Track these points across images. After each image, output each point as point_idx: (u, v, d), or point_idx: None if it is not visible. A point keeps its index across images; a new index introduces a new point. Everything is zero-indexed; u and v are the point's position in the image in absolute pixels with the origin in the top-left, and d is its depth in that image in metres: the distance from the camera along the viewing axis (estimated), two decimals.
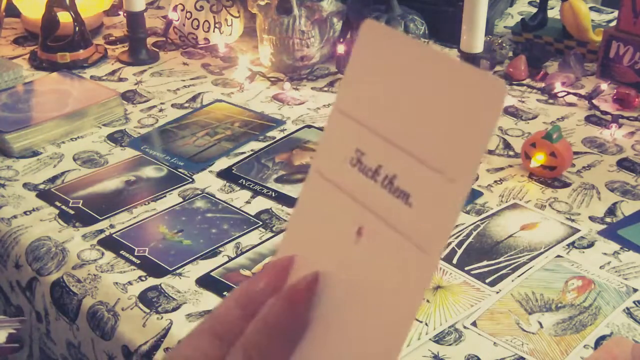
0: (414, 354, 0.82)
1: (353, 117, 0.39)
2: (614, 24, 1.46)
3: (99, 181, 1.12)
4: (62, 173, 1.14)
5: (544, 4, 1.55)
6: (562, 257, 0.97)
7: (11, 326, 0.92)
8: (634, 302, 0.89)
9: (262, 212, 1.05)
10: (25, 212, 1.05)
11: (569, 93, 1.36)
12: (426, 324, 0.86)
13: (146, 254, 0.97)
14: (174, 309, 0.88)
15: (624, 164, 1.17)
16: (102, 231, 1.01)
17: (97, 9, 1.59)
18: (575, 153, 1.18)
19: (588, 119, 1.30)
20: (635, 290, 0.91)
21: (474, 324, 0.86)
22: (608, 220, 1.04)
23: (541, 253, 0.97)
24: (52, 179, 1.12)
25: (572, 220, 1.04)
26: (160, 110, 1.32)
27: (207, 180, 1.12)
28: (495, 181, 1.12)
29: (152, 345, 0.85)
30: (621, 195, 1.10)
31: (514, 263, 0.95)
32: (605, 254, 0.98)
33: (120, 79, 1.42)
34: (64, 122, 1.23)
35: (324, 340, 0.38)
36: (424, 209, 0.36)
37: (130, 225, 1.02)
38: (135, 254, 0.97)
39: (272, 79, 1.41)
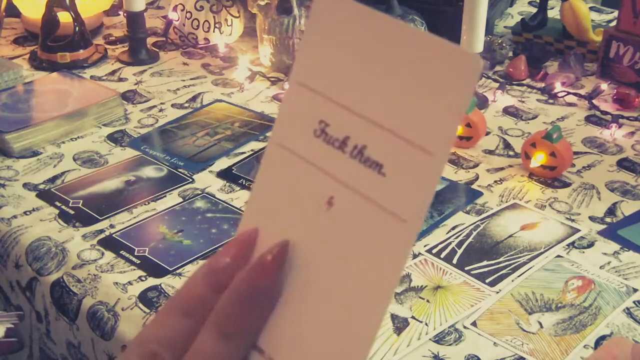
0: (414, 354, 0.82)
1: (313, 88, 0.38)
2: (614, 24, 1.46)
3: (99, 181, 1.12)
4: (62, 173, 1.14)
5: (544, 4, 1.55)
6: (562, 257, 0.97)
7: (9, 321, 0.92)
8: (634, 302, 0.89)
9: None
10: (25, 212, 1.05)
11: (569, 93, 1.36)
12: (426, 324, 0.86)
13: (146, 254, 0.97)
14: None
15: (624, 164, 1.17)
16: (102, 231, 1.01)
17: (97, 9, 1.59)
18: (575, 153, 1.18)
19: (588, 119, 1.30)
20: (635, 290, 0.91)
21: (474, 324, 0.86)
22: (608, 220, 1.04)
23: (541, 253, 0.97)
24: (52, 179, 1.12)
25: (572, 220, 1.04)
26: (160, 110, 1.32)
27: (207, 180, 1.12)
28: (495, 181, 1.12)
29: None
30: (621, 195, 1.10)
31: (514, 263, 0.95)
32: (605, 254, 0.98)
33: (120, 79, 1.42)
34: (64, 122, 1.23)
35: (297, 311, 0.38)
36: (400, 179, 0.35)
37: (130, 225, 1.02)
38: (135, 254, 0.97)
39: (272, 79, 1.41)
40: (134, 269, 0.94)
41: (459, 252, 0.97)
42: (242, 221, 0.40)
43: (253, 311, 0.38)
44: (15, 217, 1.04)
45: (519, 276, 0.93)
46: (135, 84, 1.41)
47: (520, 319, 0.87)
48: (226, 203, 1.06)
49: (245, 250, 0.39)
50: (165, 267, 0.95)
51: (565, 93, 1.36)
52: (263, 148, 1.19)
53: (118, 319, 0.88)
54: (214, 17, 1.52)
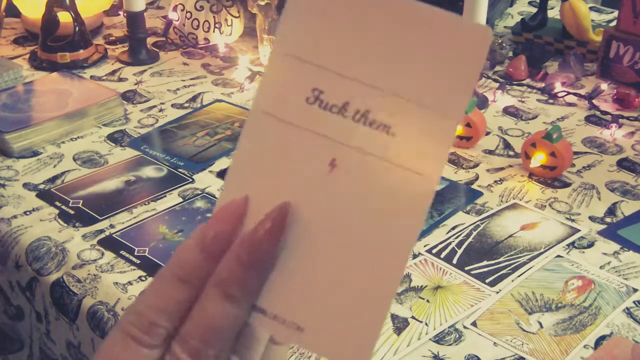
0: (414, 354, 0.82)
1: (303, 58, 0.39)
2: (614, 24, 1.46)
3: (99, 181, 1.12)
4: (62, 173, 1.14)
5: (544, 4, 1.55)
6: (562, 257, 0.97)
7: None
8: (634, 302, 0.89)
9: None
10: (25, 212, 1.05)
11: (569, 93, 1.36)
12: (426, 324, 0.86)
13: (146, 254, 0.97)
14: None
15: (624, 164, 1.17)
16: (102, 231, 1.01)
17: (97, 9, 1.60)
18: (575, 153, 1.18)
19: (588, 119, 1.30)
20: (635, 290, 0.91)
21: (474, 324, 0.86)
22: (608, 220, 1.04)
23: (541, 253, 0.97)
24: (52, 179, 1.12)
25: (572, 220, 1.04)
26: (160, 110, 1.32)
27: (207, 180, 1.12)
28: (495, 181, 1.12)
29: None
30: (621, 195, 1.10)
31: (514, 263, 0.95)
32: (605, 254, 0.98)
33: (120, 79, 1.42)
34: (64, 122, 1.23)
35: (307, 271, 0.38)
36: (412, 137, 0.37)
37: (130, 225, 1.02)
38: (135, 254, 0.97)
39: None
40: (134, 269, 0.94)
41: (459, 252, 0.97)
42: (223, 191, 0.40)
43: (256, 273, 0.38)
44: (15, 217, 1.04)
45: (519, 276, 0.93)
46: (135, 84, 1.41)
47: (520, 319, 0.87)
48: None
49: (237, 219, 0.39)
50: None
51: (565, 93, 1.36)
52: None
53: (118, 319, 0.88)
54: (214, 17, 1.52)
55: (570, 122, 1.29)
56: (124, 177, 1.12)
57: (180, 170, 1.14)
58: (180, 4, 1.54)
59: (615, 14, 1.57)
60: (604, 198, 1.09)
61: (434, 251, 0.97)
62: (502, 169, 1.16)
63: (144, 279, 0.93)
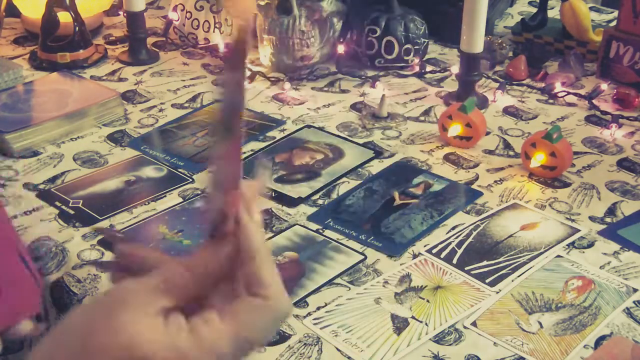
0: (414, 354, 0.82)
1: None
2: (614, 24, 1.46)
3: (99, 181, 1.11)
4: (62, 173, 1.14)
5: (544, 4, 1.55)
6: (562, 257, 0.97)
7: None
8: (634, 302, 0.89)
9: (262, 212, 1.05)
10: (25, 212, 1.05)
11: (569, 93, 1.36)
12: (426, 324, 0.86)
13: None
14: None
15: (624, 164, 1.17)
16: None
17: (97, 9, 1.59)
18: (575, 153, 1.18)
19: (588, 119, 1.30)
20: (635, 290, 0.91)
21: (474, 324, 0.86)
22: (608, 220, 1.04)
23: (541, 253, 0.97)
24: (52, 179, 1.12)
25: (572, 220, 1.04)
26: (160, 110, 1.32)
27: (207, 180, 1.12)
28: (495, 181, 1.12)
29: None
30: (621, 195, 1.10)
31: (514, 263, 0.95)
32: (605, 254, 0.98)
33: (120, 79, 1.42)
34: (64, 122, 1.23)
35: None
36: None
37: (130, 225, 1.02)
38: None
39: (272, 79, 1.41)
40: None
41: (459, 252, 0.97)
42: None
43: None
44: (15, 217, 1.04)
45: (519, 276, 0.93)
46: (135, 84, 1.41)
47: (520, 319, 0.87)
48: None
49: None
50: None
51: (565, 93, 1.36)
52: (263, 148, 1.20)
53: None
54: (214, 17, 1.52)
55: (570, 122, 1.29)
56: (124, 177, 1.12)
57: (180, 170, 1.14)
58: (180, 4, 1.54)
59: (615, 14, 1.57)
60: (604, 198, 1.09)
61: (434, 251, 0.97)
62: (502, 169, 1.16)
63: None
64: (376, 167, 1.15)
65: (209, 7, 1.52)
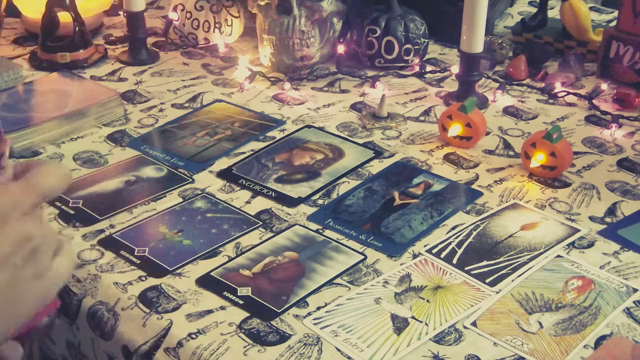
0: (414, 354, 0.82)
1: None
2: (614, 24, 1.46)
3: (99, 181, 1.12)
4: None
5: (544, 4, 1.55)
6: (562, 257, 0.97)
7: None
8: (634, 302, 0.89)
9: (262, 212, 1.05)
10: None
11: (569, 93, 1.36)
12: (426, 324, 0.86)
13: (146, 254, 0.97)
14: (174, 309, 0.88)
15: (624, 164, 1.17)
16: (102, 231, 1.01)
17: (97, 9, 1.60)
18: (575, 153, 1.18)
19: (588, 119, 1.30)
20: (635, 290, 0.91)
21: (474, 324, 0.86)
22: (608, 220, 1.04)
23: (541, 253, 0.97)
24: None
25: (572, 220, 1.04)
26: (160, 110, 1.32)
27: (207, 180, 1.12)
28: (495, 181, 1.12)
29: (152, 345, 0.85)
30: (621, 195, 1.10)
31: (514, 263, 0.95)
32: (605, 254, 0.98)
33: (120, 79, 1.42)
34: (64, 122, 1.23)
35: None
36: None
37: (130, 225, 1.02)
38: (135, 254, 0.97)
39: (272, 79, 1.41)
40: (134, 269, 0.94)
41: (459, 252, 0.97)
42: None
43: None
44: None
45: (519, 276, 0.93)
46: (135, 84, 1.41)
47: (520, 319, 0.87)
48: (226, 203, 1.07)
49: None
50: (165, 267, 0.95)
51: (565, 93, 1.36)
52: (263, 148, 1.20)
53: (118, 319, 0.88)
54: (214, 17, 1.52)
55: (570, 122, 1.29)
56: (124, 177, 1.12)
57: (180, 170, 1.14)
58: (180, 4, 1.54)
59: (615, 14, 1.57)
60: (604, 198, 1.09)
61: (434, 251, 0.97)
62: (502, 169, 1.16)
63: (144, 279, 0.93)
64: (376, 167, 1.15)
65: (209, 7, 1.52)
